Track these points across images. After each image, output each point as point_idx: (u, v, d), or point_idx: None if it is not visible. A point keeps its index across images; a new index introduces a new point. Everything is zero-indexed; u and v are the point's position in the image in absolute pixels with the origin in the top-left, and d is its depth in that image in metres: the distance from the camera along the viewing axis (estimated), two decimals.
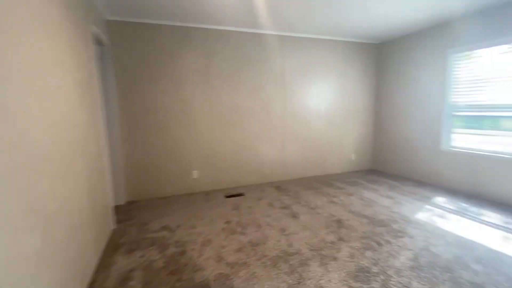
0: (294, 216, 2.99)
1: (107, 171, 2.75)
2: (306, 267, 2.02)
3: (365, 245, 2.32)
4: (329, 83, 4.62)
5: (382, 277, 1.88)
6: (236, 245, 2.37)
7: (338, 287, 1.78)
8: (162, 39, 3.58)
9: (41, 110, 1.36)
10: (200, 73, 3.79)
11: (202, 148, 3.94)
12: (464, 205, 3.20)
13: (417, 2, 3.08)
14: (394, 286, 1.78)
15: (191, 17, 3.42)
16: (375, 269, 1.97)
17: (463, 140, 3.75)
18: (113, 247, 2.40)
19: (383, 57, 4.80)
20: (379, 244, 2.32)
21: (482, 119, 3.51)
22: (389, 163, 4.85)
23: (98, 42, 2.93)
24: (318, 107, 4.59)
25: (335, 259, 2.12)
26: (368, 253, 2.18)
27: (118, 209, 3.29)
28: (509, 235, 2.43)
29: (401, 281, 1.82)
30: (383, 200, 3.41)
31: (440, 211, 3.03)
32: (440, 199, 3.41)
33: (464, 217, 2.85)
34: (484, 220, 2.75)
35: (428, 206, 3.18)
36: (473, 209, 3.06)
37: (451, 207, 3.13)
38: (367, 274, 1.91)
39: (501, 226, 2.61)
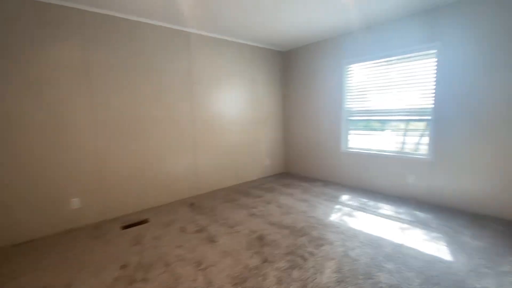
0: (212, 240, 2.55)
1: None
2: None
3: (291, 263, 2.13)
4: (241, 89, 4.43)
5: None
6: None
7: None
8: (14, 21, 2.49)
9: None
10: (77, 70, 2.85)
11: (85, 167, 2.98)
12: (364, 200, 3.55)
13: (313, 15, 3.23)
14: None
15: None
16: None
17: (357, 141, 4.25)
18: None
19: (289, 64, 5.00)
20: (304, 258, 2.18)
21: (371, 122, 4.04)
22: (300, 165, 5.07)
23: None
24: (231, 113, 4.32)
25: None
26: (295, 273, 1.99)
27: None
28: (403, 225, 2.76)
29: None
30: (299, 205, 3.41)
31: (348, 209, 3.24)
32: (345, 197, 3.70)
33: (366, 212, 3.12)
34: (382, 213, 3.08)
35: (337, 206, 3.36)
36: (371, 203, 3.43)
37: (355, 204, 3.41)
38: None
39: (395, 217, 2.97)
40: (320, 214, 3.09)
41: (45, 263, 2.26)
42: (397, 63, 3.55)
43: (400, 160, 3.61)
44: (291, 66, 4.96)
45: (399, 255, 2.19)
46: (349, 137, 4.27)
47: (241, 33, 3.98)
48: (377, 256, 2.19)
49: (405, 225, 2.75)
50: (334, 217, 3.00)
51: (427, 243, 2.36)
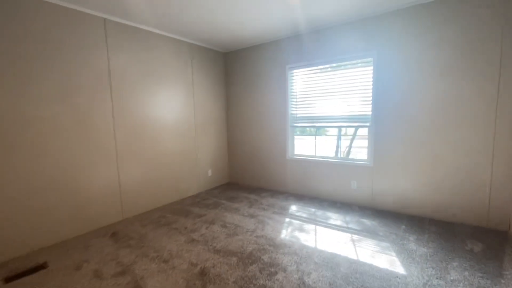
0: (138, 286, 1.97)
1: None
2: None
3: None
4: (178, 91, 3.86)
5: None
6: None
7: None
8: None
9: None
10: None
11: None
12: (312, 209, 3.42)
13: (247, 15, 2.98)
14: None
15: None
16: None
17: (303, 148, 4.16)
18: None
19: (232, 67, 4.65)
20: None
21: (315, 129, 3.99)
22: (245, 175, 4.74)
23: None
24: (166, 118, 3.71)
25: None
26: None
27: None
28: (353, 236, 2.66)
29: None
30: (246, 222, 3.06)
31: (298, 222, 3.03)
32: (293, 208, 3.51)
33: (317, 224, 2.97)
34: (332, 224, 2.96)
35: (287, 219, 3.13)
36: (320, 212, 3.31)
37: (304, 215, 3.24)
38: None
39: (345, 227, 2.87)
40: (270, 232, 2.79)
41: None
42: (339, 69, 3.56)
43: (344, 166, 3.62)
44: (234, 69, 4.62)
45: (357, 275, 2.02)
46: (295, 143, 4.15)
47: (177, 28, 3.44)
48: (335, 279, 1.97)
49: (355, 236, 2.66)
50: (285, 234, 2.74)
51: (379, 256, 2.28)
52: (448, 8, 2.75)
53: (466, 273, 2.01)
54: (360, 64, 3.39)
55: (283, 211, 3.39)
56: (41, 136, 2.54)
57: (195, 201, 3.90)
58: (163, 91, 3.66)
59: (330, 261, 2.21)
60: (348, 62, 3.46)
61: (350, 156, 3.77)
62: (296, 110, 4.02)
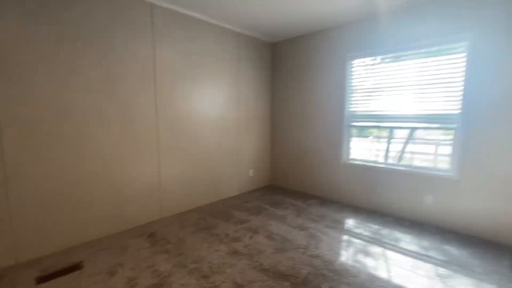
0: None
1: None
2: None
3: None
4: (221, 84, 3.56)
5: None
6: None
7: None
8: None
9: None
10: None
11: None
12: (375, 227, 2.84)
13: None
14: None
15: None
16: None
17: (362, 151, 3.57)
18: None
19: (281, 58, 4.22)
20: None
21: (380, 129, 3.38)
22: (288, 178, 4.29)
23: None
24: (208, 113, 3.43)
25: None
26: None
27: None
28: (438, 269, 2.06)
29: None
30: (296, 236, 2.61)
31: (359, 242, 2.50)
32: (351, 222, 2.97)
33: (384, 247, 2.40)
34: (405, 249, 2.37)
35: (345, 237, 2.61)
36: (385, 231, 2.72)
37: (365, 233, 2.68)
38: None
39: (424, 255, 2.27)
40: (326, 252, 2.31)
41: None
42: (415, 58, 2.91)
43: (415, 176, 2.96)
44: (282, 60, 4.19)
45: None
46: (352, 146, 3.58)
47: (223, 14, 3.13)
48: None
49: (442, 270, 2.05)
50: (345, 257, 2.23)
51: None
52: None
53: None
54: (446, 51, 2.71)
55: (338, 225, 2.88)
56: (84, 127, 2.39)
57: (235, 203, 3.57)
58: (207, 84, 3.38)
59: None
60: (430, 49, 2.79)
61: (425, 164, 3.09)
62: (355, 107, 3.44)
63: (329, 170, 3.73)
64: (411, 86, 2.94)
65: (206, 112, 3.39)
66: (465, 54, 2.58)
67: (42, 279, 1.91)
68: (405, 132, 3.27)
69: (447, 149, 2.83)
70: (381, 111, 3.21)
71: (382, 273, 2.00)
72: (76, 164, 2.37)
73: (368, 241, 2.51)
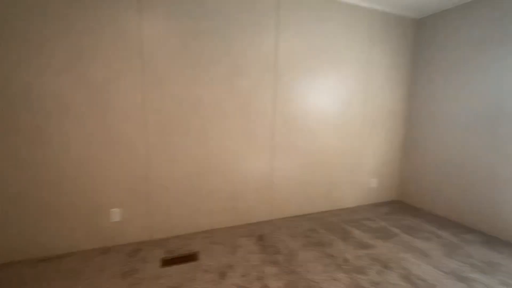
0: None
1: None
2: None
3: None
4: (348, 74, 2.99)
5: None
6: None
7: None
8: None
9: None
10: (125, 40, 2.09)
11: (129, 171, 2.25)
12: None
13: None
14: None
15: None
16: None
17: None
18: None
19: (423, 38, 3.21)
20: None
21: None
22: (428, 196, 3.26)
23: None
24: (329, 109, 2.96)
25: None
26: None
27: None
28: None
29: None
30: (450, 287, 1.81)
31: None
32: None
33: None
34: None
35: None
36: None
37: None
38: None
39: None
40: None
41: None
42: None
43: None
44: (431, 41, 3.15)
45: None
46: None
47: None
48: None
49: None
50: None
51: None
52: None
53: None
54: None
55: None
56: (208, 121, 2.43)
57: (353, 218, 2.98)
58: (330, 74, 2.89)
59: None
60: None
61: None
62: None
63: (507, 195, 2.52)
64: None
65: (326, 108, 2.93)
66: None
67: (166, 262, 2.03)
68: None
69: None
70: None
71: None
72: (200, 155, 2.45)
73: None
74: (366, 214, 3.10)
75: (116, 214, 2.25)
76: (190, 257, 2.11)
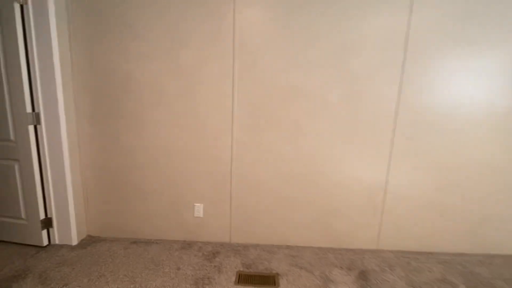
0: None
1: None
2: None
3: None
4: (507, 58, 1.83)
5: None
6: None
7: None
8: None
9: None
10: (214, 18, 1.84)
11: (213, 166, 2.06)
12: None
13: None
14: None
15: None
16: None
17: None
18: None
19: None
20: None
21: None
22: None
23: None
24: (481, 104, 1.90)
25: None
26: None
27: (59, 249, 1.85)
28: None
29: None
30: None
31: None
32: None
33: None
34: None
35: None
36: None
37: None
38: None
39: None
40: None
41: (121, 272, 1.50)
42: None
43: None
44: None
45: None
46: None
47: None
48: None
49: None
50: None
51: None
52: None
53: None
54: None
55: None
56: (304, 113, 1.95)
57: None
58: (500, 48, 1.82)
59: None
60: None
61: None
62: None
63: None
64: None
65: (477, 102, 1.89)
66: None
67: (241, 279, 1.72)
68: None
69: None
70: None
71: None
72: (291, 155, 2.01)
73: None
74: None
75: (199, 209, 2.12)
76: (268, 280, 1.73)
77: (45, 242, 2.03)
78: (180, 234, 2.18)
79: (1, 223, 2.03)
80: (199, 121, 1.98)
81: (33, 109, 1.86)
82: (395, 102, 1.91)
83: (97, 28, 1.89)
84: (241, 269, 1.83)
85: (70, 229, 2.04)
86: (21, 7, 1.72)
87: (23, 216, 1.99)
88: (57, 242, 2.06)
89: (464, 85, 1.87)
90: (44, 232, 2.01)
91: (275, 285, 1.68)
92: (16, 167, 1.92)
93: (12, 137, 1.88)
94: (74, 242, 2.07)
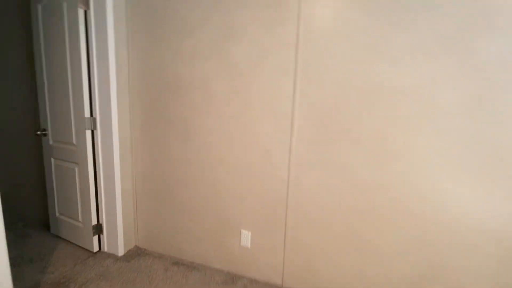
0: None
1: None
2: None
3: None
4: None
5: None
6: None
7: None
8: None
9: None
10: (273, 5, 1.46)
11: (263, 187, 1.64)
12: None
13: None
14: None
15: None
16: None
17: None
18: None
19: None
20: None
21: None
22: None
23: None
24: None
25: None
26: None
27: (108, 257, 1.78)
28: None
29: None
30: None
31: None
32: None
33: None
34: None
35: None
36: None
37: None
38: None
39: None
40: None
41: None
42: None
43: None
44: None
45: None
46: None
47: None
48: None
49: None
50: None
51: None
52: None
53: None
54: None
55: None
56: (392, 121, 1.34)
57: None
58: None
59: None
60: None
61: None
62: None
63: None
64: None
65: None
66: None
67: None
68: None
69: None
70: None
71: None
72: (373, 181, 1.42)
73: None
74: None
75: (246, 238, 1.74)
76: None
77: (96, 249, 2.00)
78: (224, 263, 1.83)
79: (66, 223, 2.11)
80: (249, 129, 1.62)
81: (91, 114, 1.85)
82: None
83: (152, 29, 1.77)
84: None
85: (117, 239, 1.96)
86: (85, 12, 1.73)
87: (80, 219, 2.01)
88: (105, 250, 2.01)
89: None
90: (95, 238, 1.99)
91: None
92: (76, 170, 1.96)
93: (74, 141, 1.92)
94: (121, 252, 1.98)
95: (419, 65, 1.26)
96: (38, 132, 2.04)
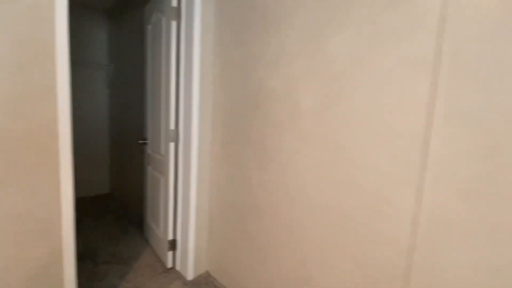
0: None
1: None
2: None
3: None
4: None
5: None
6: None
7: None
8: None
9: None
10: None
11: (365, 242, 1.05)
12: None
13: None
14: None
15: None
16: None
17: None
18: None
19: None
20: None
21: None
22: None
23: None
24: None
25: None
26: None
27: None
28: None
29: None
30: None
31: None
32: None
33: None
34: None
35: None
36: None
37: None
38: None
39: None
40: None
41: None
42: None
43: None
44: None
45: None
46: None
47: None
48: None
49: None
50: None
51: None
52: None
53: None
54: None
55: None
56: None
57: None
58: None
59: None
60: None
61: None
62: None
63: None
64: None
65: None
66: None
67: None
68: None
69: None
70: None
71: None
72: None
73: None
74: None
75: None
76: None
77: (169, 265, 1.92)
78: None
79: (152, 231, 2.17)
80: (347, 156, 1.09)
81: (177, 126, 1.81)
82: None
83: (237, 34, 1.56)
84: None
85: (187, 260, 1.81)
86: (177, 24, 1.71)
87: (161, 230, 2.00)
88: (178, 268, 1.90)
89: None
90: (170, 253, 1.91)
91: None
92: (162, 180, 1.96)
93: (162, 151, 1.93)
94: (190, 276, 1.82)
95: None
96: (140, 141, 2.20)
